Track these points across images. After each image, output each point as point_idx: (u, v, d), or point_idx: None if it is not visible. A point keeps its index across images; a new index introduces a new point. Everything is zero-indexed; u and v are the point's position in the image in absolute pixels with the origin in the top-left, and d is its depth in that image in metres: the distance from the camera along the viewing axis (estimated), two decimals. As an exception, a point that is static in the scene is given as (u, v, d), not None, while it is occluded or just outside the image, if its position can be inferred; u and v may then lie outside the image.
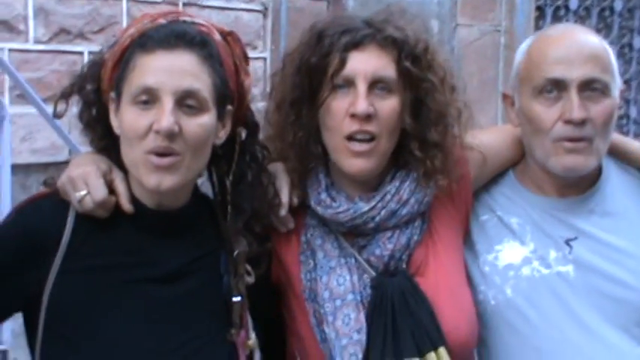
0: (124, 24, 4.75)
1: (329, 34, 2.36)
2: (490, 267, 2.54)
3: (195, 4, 4.99)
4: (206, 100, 2.16)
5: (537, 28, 6.85)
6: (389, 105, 2.34)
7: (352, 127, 2.31)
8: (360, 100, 2.29)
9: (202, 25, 2.26)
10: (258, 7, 5.20)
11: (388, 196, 2.38)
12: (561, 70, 2.43)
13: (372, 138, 2.33)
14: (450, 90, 2.44)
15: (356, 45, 2.34)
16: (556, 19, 7.15)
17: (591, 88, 2.43)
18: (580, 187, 2.57)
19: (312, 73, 2.37)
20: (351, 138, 2.33)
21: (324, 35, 2.37)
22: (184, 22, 2.24)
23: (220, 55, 2.23)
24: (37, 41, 4.65)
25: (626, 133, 7.44)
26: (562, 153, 2.44)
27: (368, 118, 2.30)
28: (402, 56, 2.37)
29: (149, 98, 2.11)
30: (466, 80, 2.84)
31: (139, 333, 2.19)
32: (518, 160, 2.68)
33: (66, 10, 4.71)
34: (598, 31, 7.39)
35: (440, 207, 2.51)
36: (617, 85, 2.52)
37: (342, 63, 2.32)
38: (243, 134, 2.38)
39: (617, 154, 2.64)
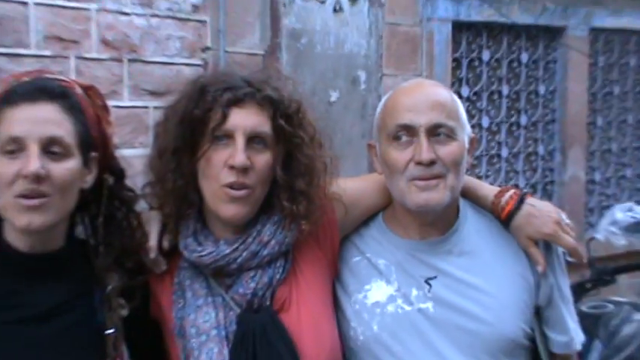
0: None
1: (211, 90, 2.33)
2: (360, 305, 2.51)
3: (140, 60, 4.99)
4: (70, 145, 2.13)
5: (454, 76, 6.97)
6: (264, 158, 2.33)
7: (229, 178, 2.28)
8: (239, 153, 2.27)
9: (63, 80, 2.24)
10: (199, 62, 5.22)
11: (250, 239, 2.34)
12: (410, 117, 2.41)
13: (246, 187, 2.31)
14: (318, 146, 2.44)
15: (237, 102, 2.31)
16: (471, 68, 7.25)
17: (438, 132, 2.42)
18: (439, 229, 2.53)
19: (194, 124, 2.32)
20: (227, 186, 2.29)
21: (207, 90, 2.33)
22: (46, 77, 2.22)
23: (81, 105, 2.20)
24: None
25: (498, 170, 7.60)
26: (415, 191, 2.42)
27: (245, 170, 2.27)
28: (277, 114, 2.35)
29: (16, 147, 2.07)
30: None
31: None
32: (386, 205, 2.64)
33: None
34: (507, 80, 7.60)
35: (306, 249, 2.47)
36: (464, 130, 2.49)
37: (224, 117, 2.29)
38: (111, 180, 2.35)
39: (471, 197, 2.62)
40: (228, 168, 2.29)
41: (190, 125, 2.34)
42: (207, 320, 2.31)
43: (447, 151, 2.43)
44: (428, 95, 2.48)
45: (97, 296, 2.26)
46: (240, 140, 2.30)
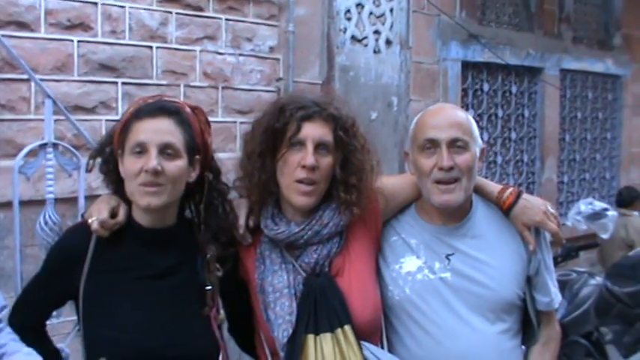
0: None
1: (289, 108, 2.27)
2: (396, 273, 2.44)
3: (230, 88, 5.03)
4: (179, 150, 2.12)
5: (463, 102, 6.93)
6: (327, 160, 2.26)
7: (301, 175, 2.23)
8: (309, 156, 2.21)
9: (177, 101, 2.23)
10: (274, 89, 5.26)
11: (314, 221, 2.28)
12: (435, 133, 2.34)
13: (313, 182, 2.26)
14: (367, 152, 2.36)
15: (308, 117, 2.25)
16: (475, 96, 7.22)
17: (456, 145, 2.34)
18: (457, 217, 2.45)
19: (275, 134, 2.27)
20: (299, 181, 2.25)
21: (286, 108, 2.28)
22: (165, 100, 2.21)
23: (189, 120, 2.18)
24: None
25: (495, 173, 7.58)
26: (438, 192, 2.36)
27: (313, 169, 2.22)
28: (337, 128, 2.29)
29: (141, 150, 2.08)
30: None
31: (140, 312, 2.14)
32: (417, 198, 2.55)
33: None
34: (501, 106, 7.55)
35: (356, 229, 2.40)
36: (476, 143, 2.40)
37: (298, 129, 2.24)
38: (211, 177, 2.32)
39: (481, 193, 2.54)
40: (300, 167, 2.24)
41: (272, 134, 2.28)
42: (281, 281, 2.27)
43: (462, 159, 2.35)
44: (448, 116, 2.40)
45: (199, 262, 2.23)
46: (310, 146, 2.24)
